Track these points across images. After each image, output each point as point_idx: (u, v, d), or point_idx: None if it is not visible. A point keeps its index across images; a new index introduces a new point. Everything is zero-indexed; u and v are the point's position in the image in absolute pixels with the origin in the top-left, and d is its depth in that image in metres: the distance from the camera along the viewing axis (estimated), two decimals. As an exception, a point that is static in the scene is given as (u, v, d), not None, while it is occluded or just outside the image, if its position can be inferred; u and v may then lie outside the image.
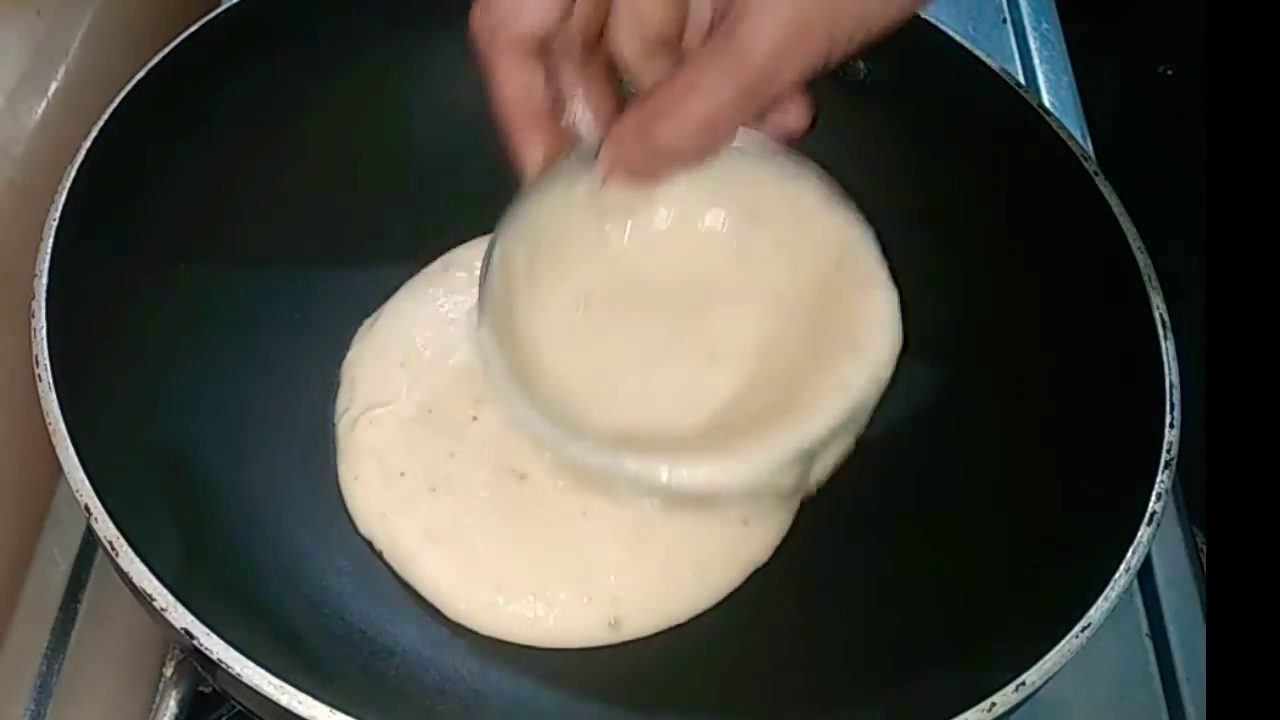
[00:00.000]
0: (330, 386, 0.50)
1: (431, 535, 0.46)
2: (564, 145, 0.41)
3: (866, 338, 0.42)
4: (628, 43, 0.41)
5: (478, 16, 0.39)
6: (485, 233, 0.50)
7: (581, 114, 0.41)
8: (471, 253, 0.52)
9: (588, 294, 0.44)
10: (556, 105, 0.41)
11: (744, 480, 0.40)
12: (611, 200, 0.41)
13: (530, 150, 0.41)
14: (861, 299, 0.42)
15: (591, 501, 0.46)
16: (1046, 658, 0.37)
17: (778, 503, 0.47)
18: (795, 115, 0.41)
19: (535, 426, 0.41)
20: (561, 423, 0.41)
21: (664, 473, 0.40)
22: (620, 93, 0.42)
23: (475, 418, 0.49)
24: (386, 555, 0.46)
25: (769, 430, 0.41)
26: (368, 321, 0.51)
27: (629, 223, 0.44)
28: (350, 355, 0.51)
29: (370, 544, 0.46)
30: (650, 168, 0.40)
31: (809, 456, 0.41)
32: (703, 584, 0.46)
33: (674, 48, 0.41)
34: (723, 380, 0.44)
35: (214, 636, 0.35)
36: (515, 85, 0.39)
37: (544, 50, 0.39)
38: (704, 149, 0.40)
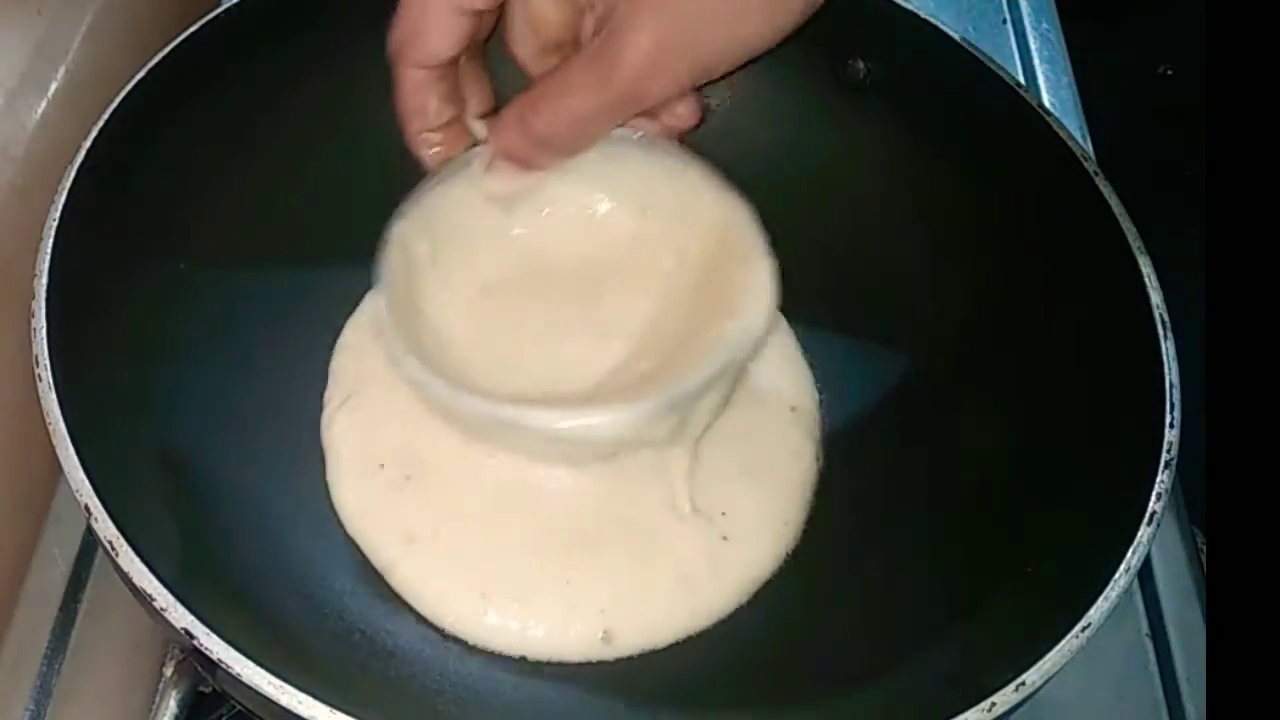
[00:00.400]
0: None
1: (412, 537, 0.46)
2: (462, 145, 0.45)
3: (743, 303, 0.45)
4: (524, 45, 0.44)
5: (391, 33, 0.43)
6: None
7: (472, 112, 0.46)
8: None
9: (489, 280, 0.48)
10: (455, 108, 0.45)
11: (620, 426, 0.43)
12: (499, 186, 0.45)
13: (424, 151, 0.45)
14: (741, 271, 0.45)
15: (577, 500, 0.47)
16: (1046, 658, 0.36)
17: (762, 521, 0.48)
18: (683, 114, 0.44)
19: (428, 384, 0.43)
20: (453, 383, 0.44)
21: (544, 418, 0.43)
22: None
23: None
24: (371, 560, 0.46)
25: (646, 386, 0.44)
26: (353, 318, 0.52)
27: (531, 214, 0.47)
28: (336, 349, 0.51)
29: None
30: (529, 155, 0.43)
31: (683, 406, 0.44)
32: (694, 602, 0.46)
33: (567, 50, 0.44)
34: (610, 353, 0.47)
35: (214, 636, 0.35)
36: (413, 98, 0.44)
37: (446, 68, 0.43)
38: (577, 143, 0.43)
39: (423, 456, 0.48)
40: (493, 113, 0.46)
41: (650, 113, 0.44)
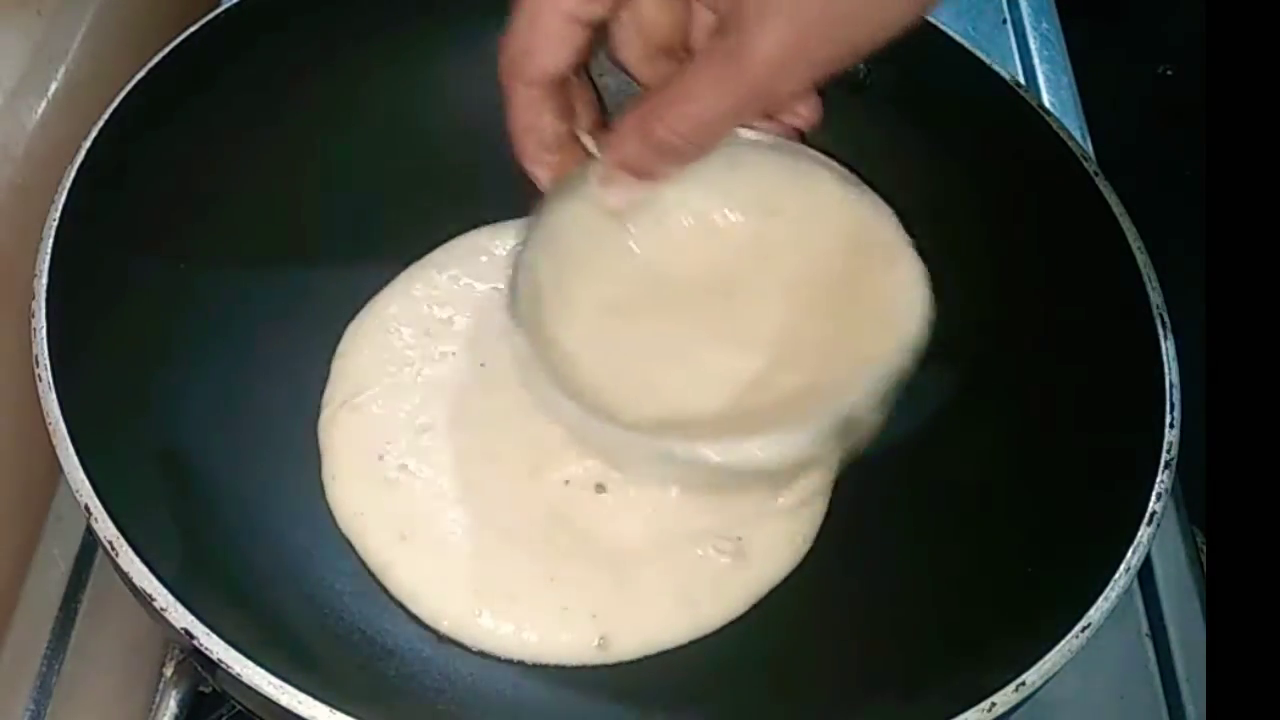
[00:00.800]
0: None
1: (405, 536, 0.46)
2: (576, 161, 0.43)
3: (893, 308, 0.43)
4: (631, 50, 0.42)
5: (502, 49, 0.41)
6: (462, 232, 0.53)
7: (583, 125, 0.43)
8: (455, 251, 0.54)
9: (615, 300, 0.45)
10: (568, 123, 0.43)
11: (787, 452, 0.41)
12: (616, 199, 0.43)
13: (539, 171, 0.43)
14: (886, 274, 0.43)
15: (570, 500, 0.47)
16: (1046, 658, 0.36)
17: (780, 540, 0.47)
18: (805, 115, 0.42)
19: (580, 419, 0.42)
20: (602, 414, 0.42)
21: (712, 452, 0.40)
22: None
23: (453, 408, 0.49)
24: (366, 561, 0.46)
25: (808, 404, 0.42)
26: (357, 318, 0.52)
27: (650, 227, 0.45)
28: (338, 351, 0.51)
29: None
30: (648, 165, 0.41)
31: (849, 425, 0.42)
32: (691, 612, 0.45)
33: (676, 53, 0.42)
34: (749, 365, 0.45)
35: (214, 636, 0.35)
36: (526, 115, 0.42)
37: (559, 84, 0.41)
38: (701, 148, 0.40)
39: (418, 460, 0.48)
40: (601, 125, 0.44)
41: (770, 115, 0.43)
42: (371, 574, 0.46)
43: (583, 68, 0.43)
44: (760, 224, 0.45)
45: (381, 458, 0.47)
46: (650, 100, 0.39)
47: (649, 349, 0.45)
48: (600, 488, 0.47)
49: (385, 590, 0.45)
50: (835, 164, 0.45)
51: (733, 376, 0.45)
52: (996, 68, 0.50)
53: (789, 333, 0.45)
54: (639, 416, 0.43)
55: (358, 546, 0.46)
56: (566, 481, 0.47)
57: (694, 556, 0.46)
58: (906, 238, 0.43)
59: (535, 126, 0.42)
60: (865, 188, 0.44)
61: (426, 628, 0.45)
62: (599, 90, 0.46)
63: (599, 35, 0.42)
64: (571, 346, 0.44)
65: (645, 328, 0.46)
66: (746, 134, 0.43)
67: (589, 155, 0.43)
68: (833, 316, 0.44)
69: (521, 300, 0.42)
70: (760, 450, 0.40)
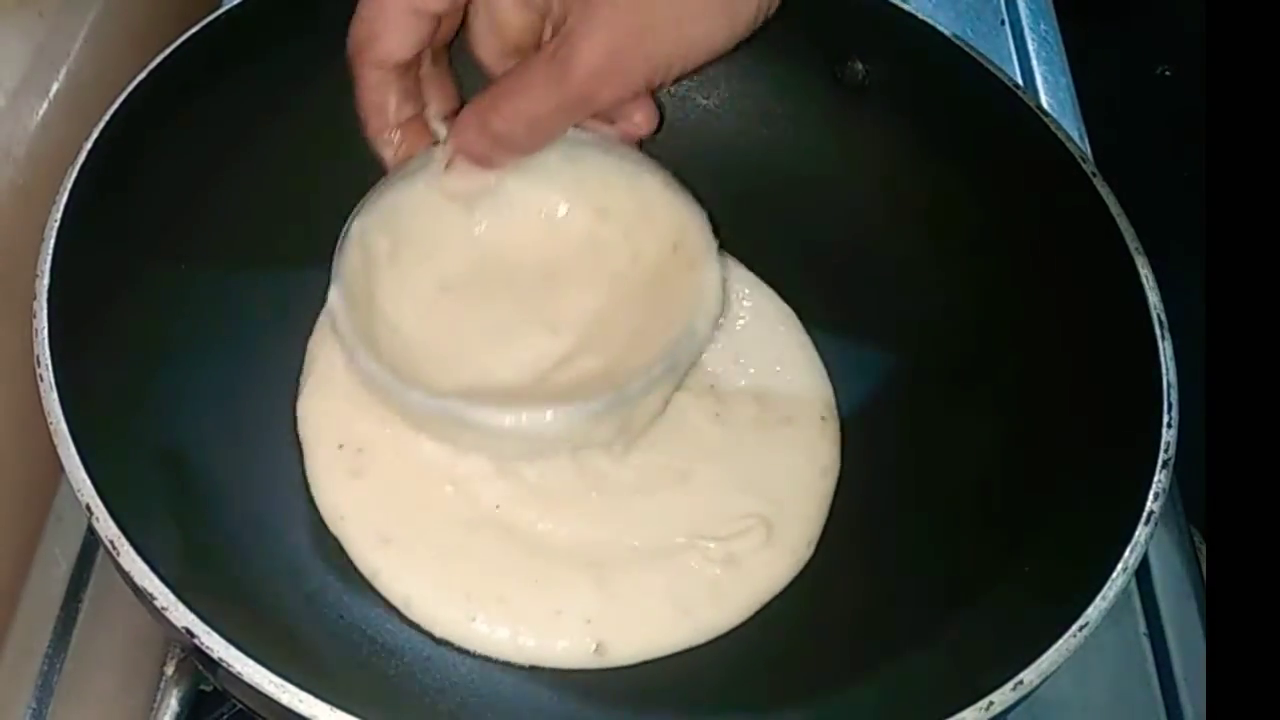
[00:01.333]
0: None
1: (388, 539, 0.46)
2: (422, 144, 0.46)
3: (690, 306, 0.46)
4: (487, 47, 0.45)
5: (350, 31, 0.43)
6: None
7: (434, 112, 0.46)
8: None
9: (447, 277, 0.48)
10: (416, 107, 0.45)
11: (565, 423, 0.44)
12: (458, 184, 0.45)
13: (384, 149, 0.46)
14: (691, 277, 0.47)
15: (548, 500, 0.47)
16: (1044, 657, 0.37)
17: (785, 547, 0.47)
18: (640, 120, 0.45)
19: (376, 376, 0.44)
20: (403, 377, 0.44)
21: (505, 418, 0.43)
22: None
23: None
24: (356, 566, 0.46)
25: (600, 384, 0.45)
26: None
27: (488, 213, 0.48)
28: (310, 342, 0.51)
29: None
30: (487, 153, 0.44)
31: (627, 406, 0.45)
32: (688, 622, 0.46)
33: (529, 53, 0.44)
34: (559, 347, 0.48)
35: (215, 635, 0.35)
36: (372, 96, 0.44)
37: (405, 68, 0.44)
38: (534, 142, 0.44)
39: (382, 452, 0.48)
40: (455, 113, 0.46)
41: (608, 118, 0.45)
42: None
43: (441, 54, 0.46)
44: (591, 219, 0.48)
45: (341, 445, 0.48)
46: (489, 93, 0.42)
47: (470, 326, 0.48)
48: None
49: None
50: (663, 168, 0.48)
51: (541, 356, 0.47)
52: (995, 69, 0.50)
53: (601, 320, 0.48)
54: (445, 385, 0.45)
55: (347, 550, 0.46)
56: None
57: (684, 564, 0.46)
58: (713, 242, 0.47)
59: (381, 107, 0.44)
60: (687, 193, 0.47)
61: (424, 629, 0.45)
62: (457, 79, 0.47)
63: (454, 25, 0.44)
64: (396, 318, 0.47)
65: (471, 306, 0.48)
66: (585, 134, 0.46)
67: (435, 140, 0.46)
68: (643, 310, 0.48)
69: (349, 266, 0.45)
70: (550, 418, 0.43)
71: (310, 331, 0.51)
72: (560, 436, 0.44)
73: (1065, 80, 0.71)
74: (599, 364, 0.47)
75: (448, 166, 0.45)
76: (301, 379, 0.50)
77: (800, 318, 0.54)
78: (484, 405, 0.44)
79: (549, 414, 0.43)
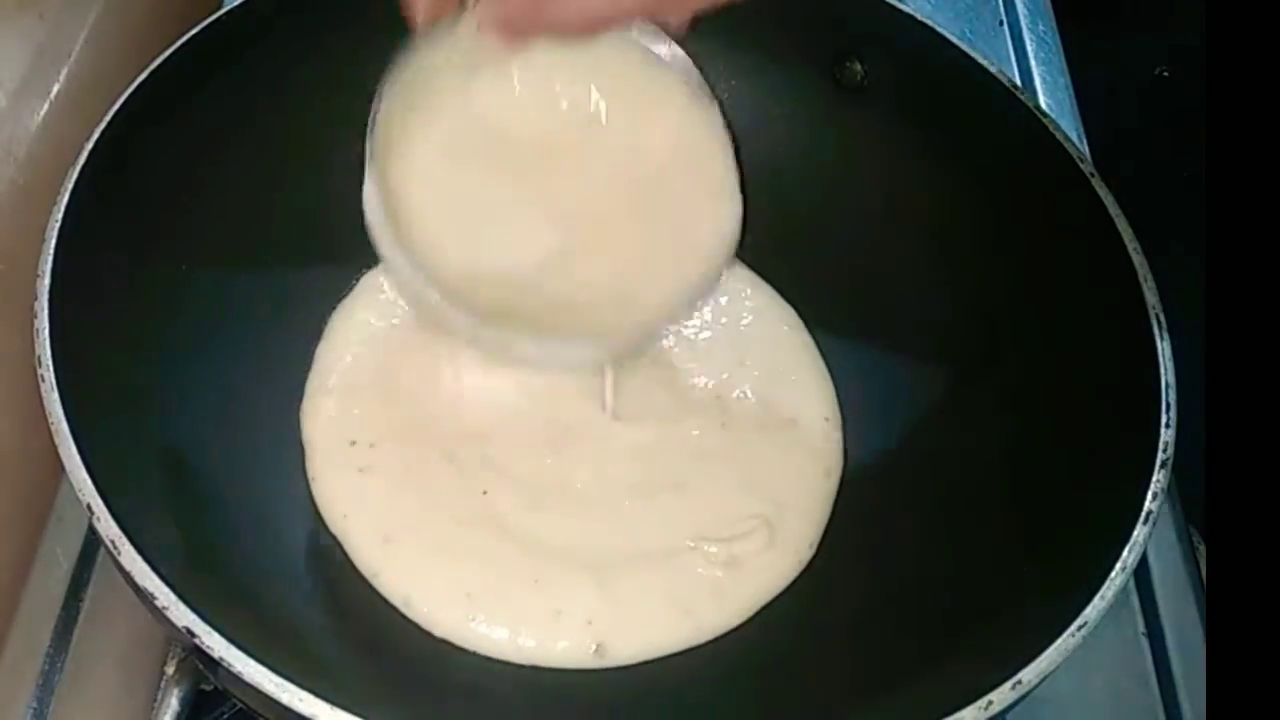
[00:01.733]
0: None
1: (389, 538, 0.46)
2: (449, 7, 0.42)
3: (704, 239, 0.45)
4: None
5: None
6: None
7: None
8: None
9: (450, 146, 0.46)
10: None
11: (599, 355, 0.47)
12: (482, 56, 0.43)
13: (413, 13, 0.42)
14: (707, 206, 0.45)
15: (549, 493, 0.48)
16: (1043, 656, 0.37)
17: (786, 550, 0.48)
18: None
19: (426, 295, 0.45)
20: (438, 283, 0.45)
21: (532, 347, 0.46)
22: None
23: (428, 387, 0.50)
24: (356, 565, 0.46)
25: (617, 313, 0.46)
26: (337, 311, 0.52)
27: (493, 83, 0.45)
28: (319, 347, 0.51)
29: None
30: (528, 31, 0.41)
31: (650, 336, 0.49)
32: (688, 622, 0.46)
33: None
34: (554, 238, 0.46)
35: (215, 635, 0.35)
36: None
37: None
38: (585, 35, 0.41)
39: (388, 451, 0.48)
40: None
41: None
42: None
43: None
44: (600, 107, 0.46)
45: (354, 440, 0.48)
46: None
47: (469, 198, 0.46)
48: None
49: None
50: (694, 69, 0.45)
51: (537, 244, 0.46)
52: (993, 70, 0.50)
53: (596, 218, 0.46)
54: (456, 262, 0.45)
55: (347, 549, 0.46)
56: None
57: (686, 566, 0.47)
58: (736, 175, 0.45)
59: None
60: (715, 108, 0.45)
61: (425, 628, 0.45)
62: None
63: None
64: (401, 185, 0.45)
65: (470, 177, 0.46)
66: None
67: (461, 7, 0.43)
68: (643, 218, 0.46)
69: (378, 141, 0.44)
70: (576, 349, 0.47)
71: (310, 332, 0.51)
72: (585, 365, 0.48)
73: (1064, 80, 0.71)
74: (598, 273, 0.46)
75: (478, 29, 0.41)
76: (308, 378, 0.50)
77: (802, 318, 0.54)
78: (528, 339, 0.46)
79: (582, 349, 0.47)
